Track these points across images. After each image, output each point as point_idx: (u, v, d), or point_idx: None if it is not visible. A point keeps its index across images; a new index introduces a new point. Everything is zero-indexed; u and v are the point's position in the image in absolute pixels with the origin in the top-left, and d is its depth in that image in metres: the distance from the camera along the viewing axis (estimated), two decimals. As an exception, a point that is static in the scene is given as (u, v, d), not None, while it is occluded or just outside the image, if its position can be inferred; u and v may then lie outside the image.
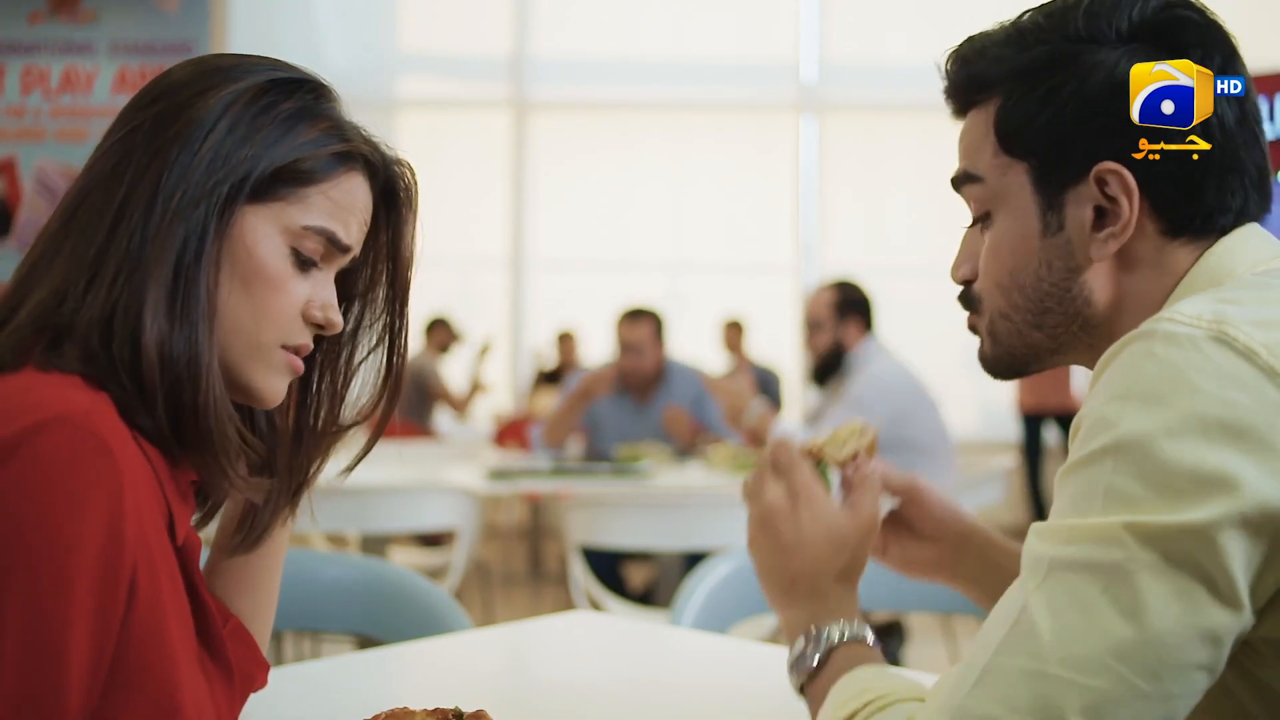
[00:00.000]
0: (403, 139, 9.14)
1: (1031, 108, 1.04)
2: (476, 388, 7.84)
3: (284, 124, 1.03)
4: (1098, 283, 1.04)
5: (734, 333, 8.31)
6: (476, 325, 8.31)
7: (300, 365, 1.07)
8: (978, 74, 1.09)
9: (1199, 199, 1.02)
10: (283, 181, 1.03)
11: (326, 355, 1.14)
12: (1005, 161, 1.07)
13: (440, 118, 9.21)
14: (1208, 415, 0.86)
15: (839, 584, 1.13)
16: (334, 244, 1.06)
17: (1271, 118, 2.62)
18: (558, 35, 9.29)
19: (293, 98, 1.05)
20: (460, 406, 7.62)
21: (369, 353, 1.16)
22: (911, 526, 1.29)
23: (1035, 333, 1.08)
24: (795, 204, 9.03)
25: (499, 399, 8.75)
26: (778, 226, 9.07)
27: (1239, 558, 0.84)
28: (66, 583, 0.88)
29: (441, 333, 7.64)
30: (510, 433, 6.76)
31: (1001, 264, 1.08)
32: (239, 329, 1.02)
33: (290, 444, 1.14)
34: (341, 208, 1.06)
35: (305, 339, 1.06)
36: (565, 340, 8.33)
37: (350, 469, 1.20)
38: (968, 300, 1.14)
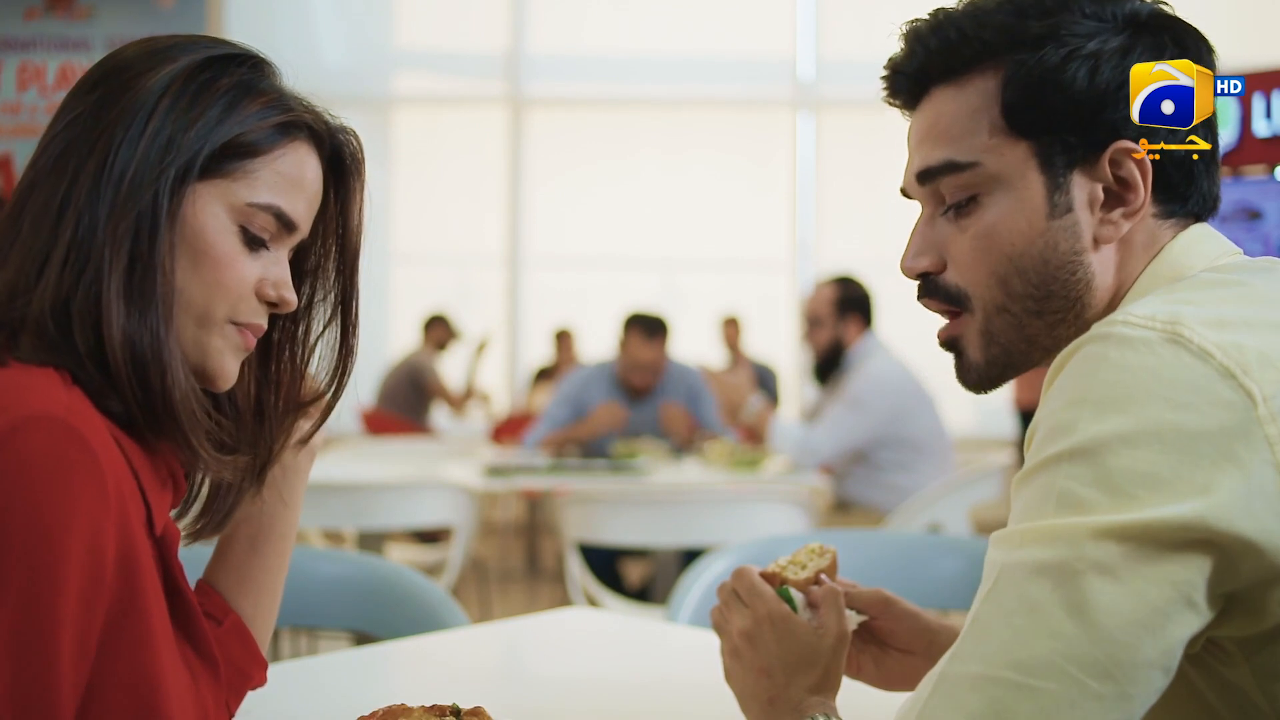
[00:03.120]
0: (399, 136, 9.13)
1: (1046, 81, 1.01)
2: (472, 391, 7.82)
3: (225, 100, 1.02)
4: (1099, 266, 1.03)
5: (732, 329, 8.31)
6: (473, 322, 8.30)
7: (252, 343, 1.07)
8: (978, 41, 1.03)
9: (1196, 185, 1.03)
10: (228, 157, 1.02)
11: (284, 332, 1.13)
12: (1004, 141, 1.02)
13: (436, 114, 9.20)
14: (1163, 421, 0.85)
15: (816, 695, 1.13)
16: (281, 221, 1.05)
17: (1269, 115, 2.62)
18: (554, 31, 9.28)
19: (231, 73, 1.04)
20: (457, 405, 7.61)
21: (324, 327, 1.15)
22: (884, 641, 1.26)
23: (1035, 321, 1.03)
24: (792, 201, 9.03)
25: (496, 399, 8.74)
26: (774, 223, 9.07)
27: (1191, 559, 0.83)
28: (56, 575, 0.88)
29: (439, 330, 7.62)
30: (507, 429, 6.75)
31: (999, 250, 1.03)
32: (189, 307, 1.02)
33: (252, 423, 1.14)
34: (289, 181, 1.05)
35: (258, 318, 1.06)
36: (563, 338, 8.32)
37: (308, 437, 1.18)
38: (946, 295, 1.07)
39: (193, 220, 1.01)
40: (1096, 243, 1.02)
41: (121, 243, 0.98)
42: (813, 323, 4.51)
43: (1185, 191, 1.03)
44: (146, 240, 0.98)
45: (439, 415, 7.69)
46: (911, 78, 1.08)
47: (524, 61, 9.16)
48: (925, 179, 1.07)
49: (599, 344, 7.82)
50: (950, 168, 1.04)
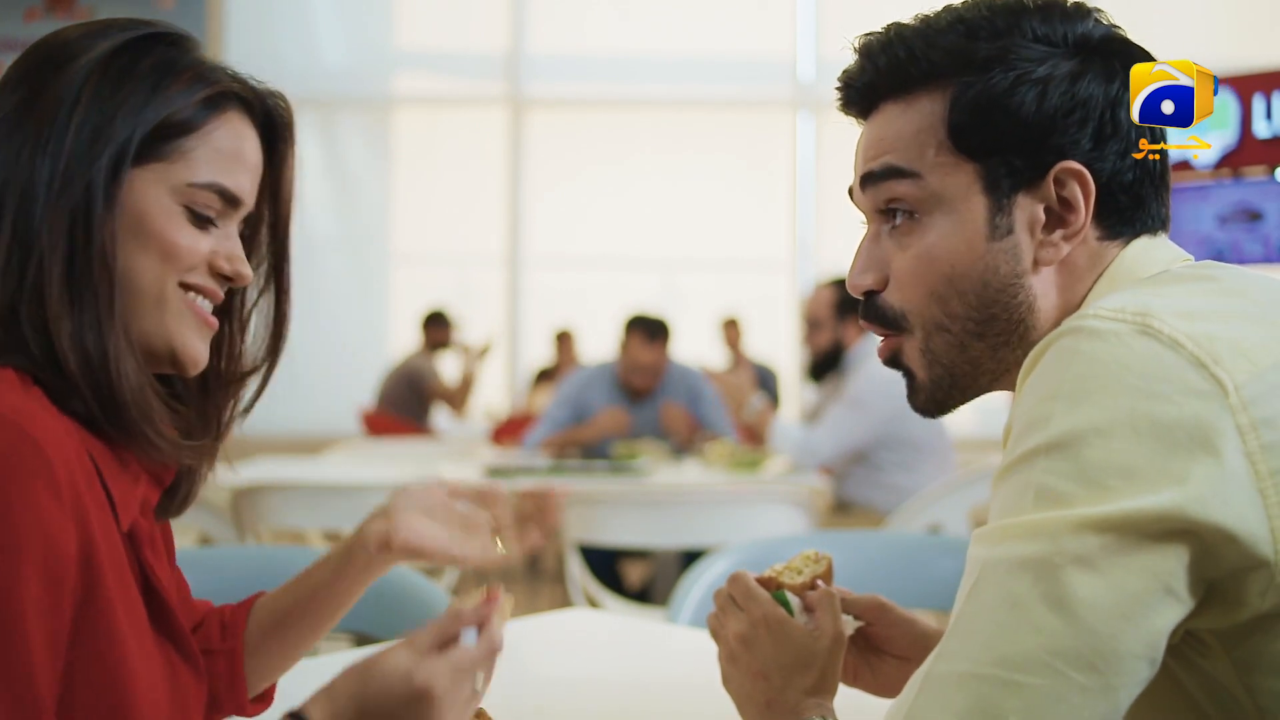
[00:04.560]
0: (399, 136, 9.13)
1: (994, 104, 1.01)
2: (469, 382, 7.77)
3: (148, 82, 1.01)
4: (1040, 288, 1.02)
5: (732, 330, 8.31)
6: (474, 322, 8.30)
7: (212, 320, 1.06)
8: (926, 61, 1.03)
9: (1142, 206, 1.03)
10: (162, 139, 1.01)
11: (220, 305, 1.11)
12: (949, 160, 1.02)
13: (436, 115, 9.20)
14: (1137, 411, 0.85)
15: (813, 697, 1.12)
16: (225, 197, 1.04)
17: (1270, 117, 2.62)
18: (554, 32, 9.28)
19: (151, 53, 1.02)
20: (457, 403, 7.59)
21: (259, 296, 1.14)
22: (880, 648, 1.25)
23: (977, 344, 1.03)
24: (792, 201, 9.03)
25: (494, 397, 8.74)
26: (774, 224, 9.07)
27: (1170, 549, 0.84)
28: (16, 574, 0.87)
29: (437, 329, 7.58)
30: (508, 431, 6.75)
31: (937, 270, 1.03)
32: (144, 293, 1.01)
33: (198, 400, 1.12)
34: (227, 156, 1.04)
35: (210, 283, 1.05)
36: (563, 339, 8.32)
37: (249, 407, 1.17)
38: (882, 318, 1.07)
39: (134, 207, 1.00)
40: (1037, 265, 1.02)
41: (58, 241, 0.96)
42: (812, 324, 4.51)
43: (1131, 215, 1.03)
44: (82, 234, 0.97)
45: (439, 416, 7.69)
46: (861, 92, 1.08)
47: (524, 62, 9.17)
48: (868, 182, 1.07)
49: (599, 345, 7.81)
50: (893, 172, 1.04)
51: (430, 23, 9.41)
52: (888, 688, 1.26)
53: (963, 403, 1.08)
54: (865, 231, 1.10)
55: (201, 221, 1.03)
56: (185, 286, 1.03)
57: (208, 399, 1.12)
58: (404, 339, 8.09)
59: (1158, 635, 0.85)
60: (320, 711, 0.92)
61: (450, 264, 9.15)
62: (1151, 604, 0.84)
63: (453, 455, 5.35)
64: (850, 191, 1.11)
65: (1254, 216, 2.68)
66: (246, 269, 1.07)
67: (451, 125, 9.13)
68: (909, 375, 1.08)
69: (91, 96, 0.99)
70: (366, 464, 4.69)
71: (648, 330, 4.91)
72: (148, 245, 1.00)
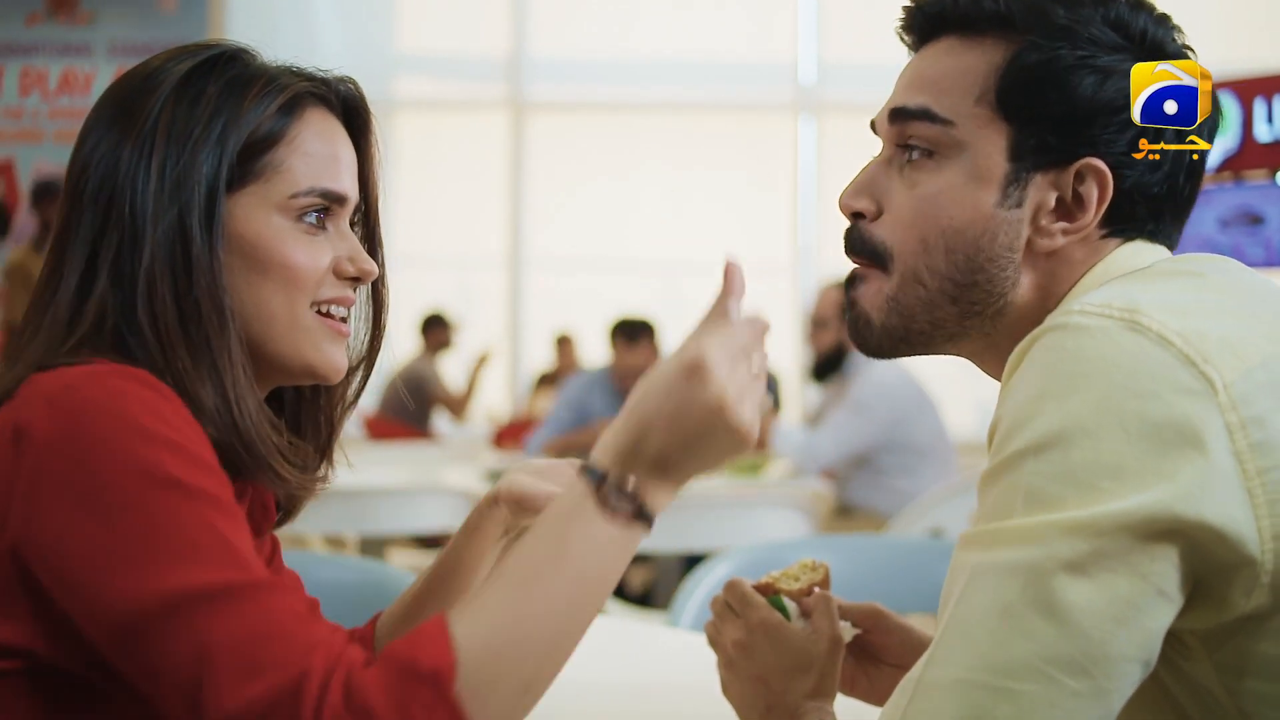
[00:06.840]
0: (401, 140, 9.14)
1: (1052, 76, 0.98)
2: (473, 390, 7.78)
3: (220, 107, 0.99)
4: (1027, 270, 1.00)
5: (733, 333, 8.27)
6: (476, 326, 8.29)
7: (345, 329, 1.05)
8: (1004, 3, 1.00)
9: (1157, 221, 1.01)
10: (250, 159, 0.99)
11: None
12: (986, 113, 1.00)
13: (438, 118, 9.21)
14: (1125, 409, 0.84)
15: (813, 701, 1.12)
16: (329, 199, 1.03)
17: (1271, 120, 2.62)
18: (555, 35, 9.28)
19: (214, 78, 1.00)
20: (458, 410, 7.59)
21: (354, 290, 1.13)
22: (877, 656, 1.24)
23: (949, 307, 1.01)
24: (793, 205, 9.03)
25: (496, 401, 8.73)
26: (776, 227, 9.07)
27: (1159, 549, 0.83)
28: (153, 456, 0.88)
29: (438, 331, 7.57)
30: (509, 434, 6.74)
31: (937, 219, 1.00)
32: (274, 318, 1.00)
33: (307, 405, 1.12)
34: (319, 158, 1.03)
35: (340, 291, 1.04)
36: (564, 344, 8.31)
37: (355, 399, 1.18)
38: (867, 248, 1.03)
39: (243, 236, 0.99)
40: (1028, 248, 1.00)
41: (164, 288, 0.96)
42: (818, 324, 4.51)
43: (1144, 226, 1.01)
44: (184, 276, 0.96)
45: (441, 420, 7.68)
46: (927, 17, 1.05)
47: (525, 65, 9.17)
48: (896, 118, 1.04)
49: (601, 348, 7.82)
50: (925, 115, 1.02)
51: (431, 26, 9.42)
52: (884, 696, 1.25)
53: (911, 355, 1.06)
54: (877, 154, 1.07)
55: (314, 229, 1.02)
56: (317, 303, 1.03)
57: (315, 402, 1.12)
58: (405, 342, 8.09)
59: (1151, 636, 0.85)
60: (603, 456, 0.90)
61: (451, 267, 9.15)
62: (1143, 606, 0.83)
63: (454, 459, 5.34)
64: (873, 123, 1.08)
65: (1255, 220, 2.68)
66: (370, 264, 1.06)
67: (453, 129, 9.14)
68: (859, 315, 1.05)
69: (166, 140, 0.98)
70: (368, 468, 4.69)
71: (627, 334, 4.90)
72: (268, 272, 0.99)
